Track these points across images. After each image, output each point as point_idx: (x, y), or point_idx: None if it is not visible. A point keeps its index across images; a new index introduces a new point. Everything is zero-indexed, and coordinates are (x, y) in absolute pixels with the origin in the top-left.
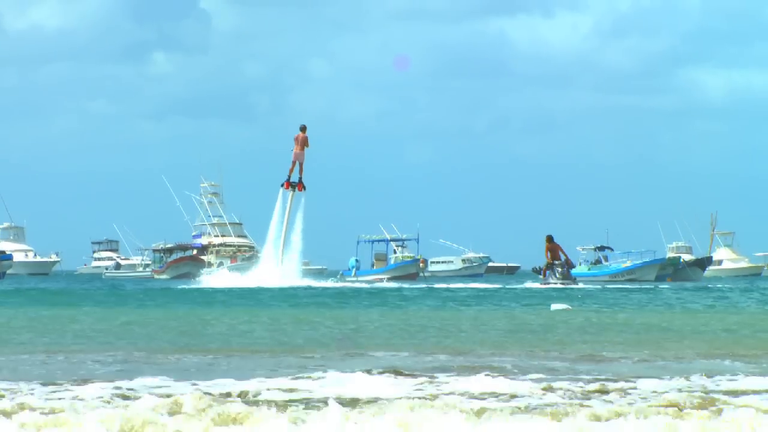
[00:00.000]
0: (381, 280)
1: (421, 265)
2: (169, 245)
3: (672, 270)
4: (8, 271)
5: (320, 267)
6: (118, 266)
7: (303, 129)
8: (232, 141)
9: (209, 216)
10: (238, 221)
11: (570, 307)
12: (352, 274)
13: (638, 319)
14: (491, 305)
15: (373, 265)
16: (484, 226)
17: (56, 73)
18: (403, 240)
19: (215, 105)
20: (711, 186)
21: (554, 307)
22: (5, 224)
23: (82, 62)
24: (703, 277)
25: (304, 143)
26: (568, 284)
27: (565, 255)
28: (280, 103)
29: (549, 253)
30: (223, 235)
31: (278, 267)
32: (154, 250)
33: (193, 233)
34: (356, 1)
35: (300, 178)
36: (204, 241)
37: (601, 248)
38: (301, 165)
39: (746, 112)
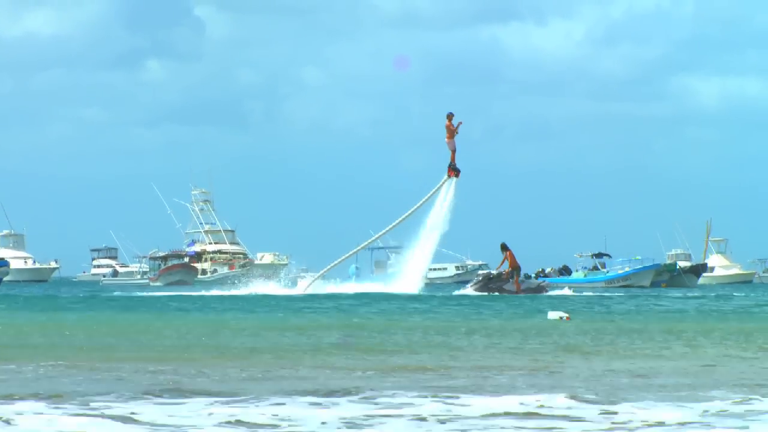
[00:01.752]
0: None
1: None
2: (161, 253)
3: (668, 276)
4: (6, 278)
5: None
6: (115, 273)
7: (448, 117)
8: (225, 148)
9: (201, 223)
10: (230, 228)
11: (567, 316)
12: (352, 281)
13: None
14: (474, 311)
15: (373, 273)
16: (482, 233)
17: (50, 80)
18: (403, 247)
19: (209, 112)
20: (705, 193)
21: (551, 315)
22: (5, 232)
23: (76, 69)
24: (698, 283)
25: (449, 131)
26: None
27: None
28: (273, 111)
29: (508, 261)
30: (216, 243)
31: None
32: (151, 258)
33: (185, 241)
34: (350, 9)
35: (453, 165)
36: (197, 248)
37: (599, 255)
38: (451, 152)
39: (739, 120)
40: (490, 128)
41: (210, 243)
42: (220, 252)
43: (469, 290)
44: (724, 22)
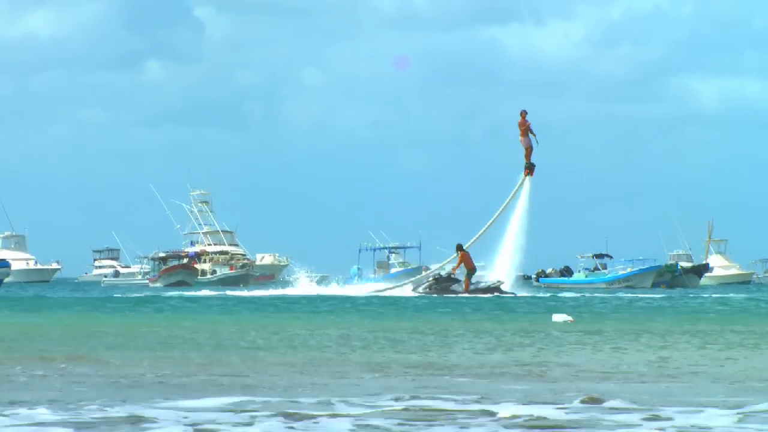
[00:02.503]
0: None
1: (423, 272)
2: (161, 254)
3: (669, 277)
4: (7, 279)
5: (323, 274)
6: (117, 274)
7: (521, 114)
8: (225, 149)
9: (200, 225)
10: (229, 230)
11: (572, 319)
12: (354, 281)
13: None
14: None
15: (375, 273)
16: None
17: (50, 81)
18: (405, 248)
19: (209, 113)
20: (705, 193)
21: (555, 318)
22: (6, 233)
23: (75, 70)
24: (700, 284)
25: (521, 128)
26: (442, 294)
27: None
28: (273, 112)
29: (463, 263)
30: (215, 244)
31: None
32: (152, 259)
33: (184, 242)
34: (349, 10)
35: (528, 162)
36: (197, 249)
37: (600, 256)
38: (525, 150)
39: (739, 120)
40: (490, 129)
41: (209, 244)
42: (221, 253)
43: (414, 291)
44: (722, 23)
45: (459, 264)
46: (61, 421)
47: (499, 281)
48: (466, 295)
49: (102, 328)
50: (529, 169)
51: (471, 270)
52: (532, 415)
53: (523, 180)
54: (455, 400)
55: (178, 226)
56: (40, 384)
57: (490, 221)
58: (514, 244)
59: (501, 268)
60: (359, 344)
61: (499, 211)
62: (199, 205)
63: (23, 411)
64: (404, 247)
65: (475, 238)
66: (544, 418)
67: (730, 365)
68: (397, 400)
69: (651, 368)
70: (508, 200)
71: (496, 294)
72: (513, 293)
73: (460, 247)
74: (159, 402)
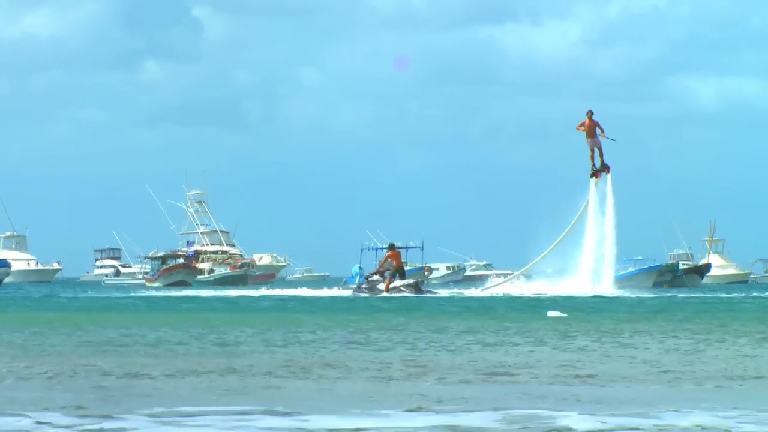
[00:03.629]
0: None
1: (426, 273)
2: (160, 253)
3: (670, 277)
4: (8, 279)
5: (323, 274)
6: (117, 273)
7: (587, 115)
8: (223, 149)
9: (197, 224)
10: (225, 230)
11: (565, 315)
12: (356, 281)
13: None
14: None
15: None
16: (484, 233)
17: (49, 81)
18: (408, 248)
19: (207, 113)
20: (704, 193)
21: (550, 314)
22: (7, 233)
23: (74, 70)
24: (702, 284)
25: (585, 128)
26: (374, 294)
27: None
28: (271, 112)
29: (390, 260)
30: (212, 244)
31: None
32: (150, 258)
33: (180, 242)
34: (347, 10)
35: (601, 162)
36: (195, 248)
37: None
38: (592, 150)
39: (737, 120)
40: (487, 128)
41: (206, 244)
42: (220, 252)
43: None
44: (720, 22)
45: (384, 261)
46: None
47: (417, 280)
48: (386, 294)
49: None
50: (602, 169)
51: (398, 269)
52: None
53: (597, 182)
54: None
55: (174, 226)
56: None
57: (559, 239)
58: (595, 249)
59: (586, 273)
60: None
61: (568, 228)
62: (195, 205)
63: None
64: (407, 247)
65: (541, 256)
66: None
67: None
68: None
69: None
70: (581, 211)
71: (414, 294)
72: (435, 292)
73: (392, 246)
74: None
